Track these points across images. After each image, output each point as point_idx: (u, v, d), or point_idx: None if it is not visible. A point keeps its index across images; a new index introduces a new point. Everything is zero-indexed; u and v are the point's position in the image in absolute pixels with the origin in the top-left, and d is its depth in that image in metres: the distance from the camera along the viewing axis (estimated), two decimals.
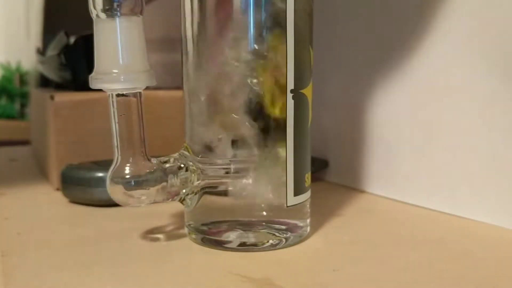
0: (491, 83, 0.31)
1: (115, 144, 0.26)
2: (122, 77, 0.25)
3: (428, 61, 0.35)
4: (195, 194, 0.28)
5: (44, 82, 0.64)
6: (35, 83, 0.76)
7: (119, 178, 0.26)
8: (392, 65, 0.38)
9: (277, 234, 0.28)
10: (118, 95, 0.26)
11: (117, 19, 0.25)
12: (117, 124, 0.26)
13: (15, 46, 1.13)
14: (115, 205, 0.27)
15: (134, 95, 0.26)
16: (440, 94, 0.34)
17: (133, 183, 0.26)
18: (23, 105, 1.10)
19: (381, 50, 0.38)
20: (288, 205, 0.27)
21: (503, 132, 0.31)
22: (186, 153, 0.28)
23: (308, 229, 0.29)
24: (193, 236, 0.29)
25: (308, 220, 0.29)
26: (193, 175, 0.27)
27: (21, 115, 1.09)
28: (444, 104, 0.34)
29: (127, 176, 0.26)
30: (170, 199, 0.27)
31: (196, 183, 0.27)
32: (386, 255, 0.27)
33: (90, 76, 0.26)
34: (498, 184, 0.31)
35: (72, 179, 0.37)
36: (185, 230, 0.29)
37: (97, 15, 0.25)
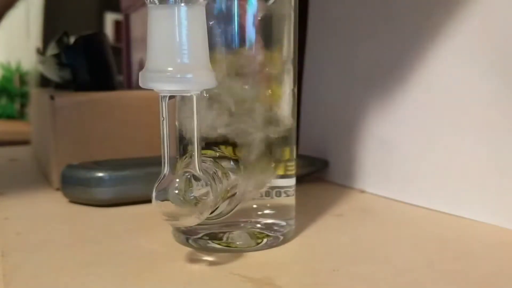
0: (491, 83, 0.31)
1: (164, 152, 0.23)
2: (178, 76, 0.21)
3: (428, 62, 0.35)
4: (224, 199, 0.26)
5: (44, 82, 0.64)
6: (35, 83, 0.76)
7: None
8: (392, 66, 0.38)
9: (271, 233, 0.28)
10: (170, 97, 0.22)
11: (176, 7, 0.21)
12: (165, 128, 0.23)
13: (15, 46, 1.14)
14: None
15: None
16: (440, 94, 0.34)
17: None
18: (23, 105, 1.10)
19: (381, 51, 0.38)
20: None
21: (503, 132, 0.31)
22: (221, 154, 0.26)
23: (293, 227, 0.29)
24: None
25: (293, 221, 0.29)
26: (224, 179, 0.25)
27: (21, 115, 1.09)
28: (444, 104, 0.34)
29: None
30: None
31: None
32: (386, 255, 0.27)
33: (140, 73, 0.22)
34: (498, 184, 0.31)
35: (72, 179, 0.37)
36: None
37: (151, 1, 0.21)
